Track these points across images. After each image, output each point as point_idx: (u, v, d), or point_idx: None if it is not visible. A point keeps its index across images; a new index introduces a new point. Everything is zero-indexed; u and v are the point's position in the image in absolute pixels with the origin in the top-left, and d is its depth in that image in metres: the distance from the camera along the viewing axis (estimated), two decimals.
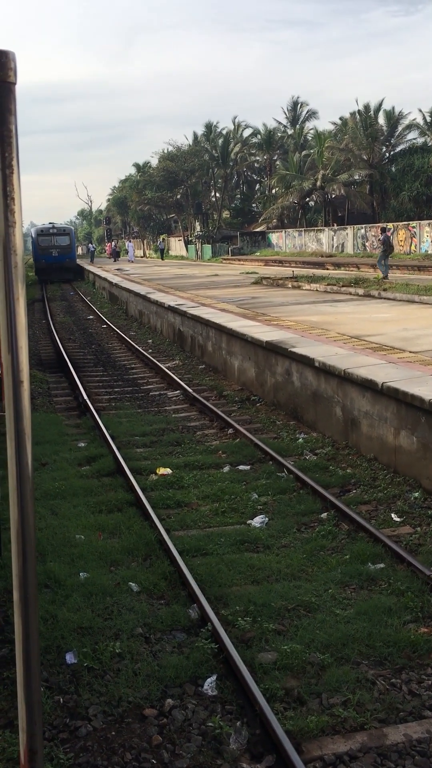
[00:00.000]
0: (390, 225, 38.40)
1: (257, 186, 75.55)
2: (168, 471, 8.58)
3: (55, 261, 46.78)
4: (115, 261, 58.94)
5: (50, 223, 49.62)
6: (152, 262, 56.55)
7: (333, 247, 47.60)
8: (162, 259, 62.41)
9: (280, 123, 67.31)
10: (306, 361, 10.32)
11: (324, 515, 7.07)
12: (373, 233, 43.82)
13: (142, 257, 73.11)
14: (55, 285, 45.29)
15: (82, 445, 9.96)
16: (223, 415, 10.87)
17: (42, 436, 10.13)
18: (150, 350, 17.86)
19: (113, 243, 68.72)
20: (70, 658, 4.72)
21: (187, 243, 68.89)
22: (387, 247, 23.84)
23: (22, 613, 1.63)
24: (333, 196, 56.53)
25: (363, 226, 46.13)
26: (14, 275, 1.50)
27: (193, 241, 66.14)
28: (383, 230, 25.89)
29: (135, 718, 4.19)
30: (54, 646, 4.85)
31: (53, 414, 11.95)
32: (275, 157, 67.94)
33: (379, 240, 24.72)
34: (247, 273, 33.06)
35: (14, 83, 1.49)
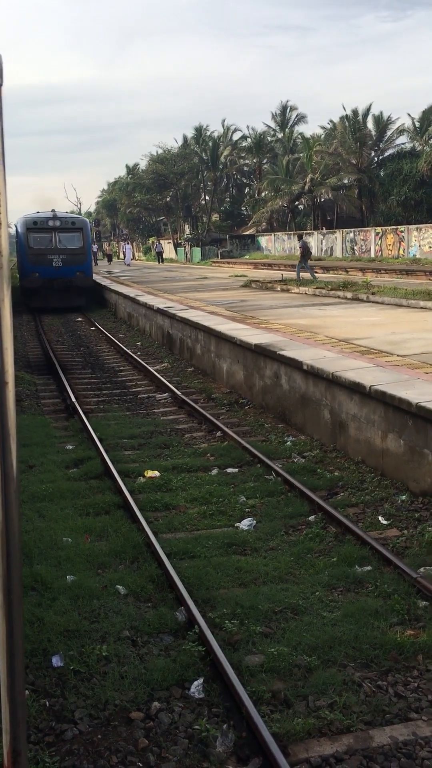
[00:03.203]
0: (306, 233, 39.13)
1: (247, 189, 75.78)
2: (156, 474, 8.57)
3: (58, 276, 27.51)
4: (109, 263, 58.00)
5: (50, 211, 29.60)
6: (141, 265, 56.43)
7: (322, 250, 47.76)
8: (161, 262, 58.93)
9: (269, 127, 67.59)
10: (294, 364, 10.35)
11: (311, 518, 7.08)
12: (362, 237, 44.05)
13: (131, 259, 72.73)
14: None
15: (70, 447, 9.93)
16: (211, 417, 10.87)
17: (29, 439, 10.09)
18: (139, 353, 17.84)
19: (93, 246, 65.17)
20: (56, 661, 4.70)
21: (176, 246, 68.87)
22: (305, 252, 27.14)
23: (7, 615, 1.62)
24: (322, 200, 56.77)
25: (352, 230, 46.35)
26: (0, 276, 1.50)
27: (183, 243, 66.11)
28: (300, 237, 30.36)
29: (121, 722, 4.18)
30: (40, 649, 4.82)
31: (41, 416, 11.91)
32: (264, 161, 68.18)
33: (300, 246, 27.68)
34: (237, 276, 33.11)
35: (0, 85, 1.49)
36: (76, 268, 27.98)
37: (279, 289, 24.70)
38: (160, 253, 61.19)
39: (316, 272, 34.31)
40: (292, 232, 53.95)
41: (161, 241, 68.44)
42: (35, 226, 28.20)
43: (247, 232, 63.77)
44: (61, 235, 28.22)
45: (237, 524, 7.07)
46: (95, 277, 32.26)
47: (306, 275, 27.18)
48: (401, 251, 39.97)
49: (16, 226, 29.05)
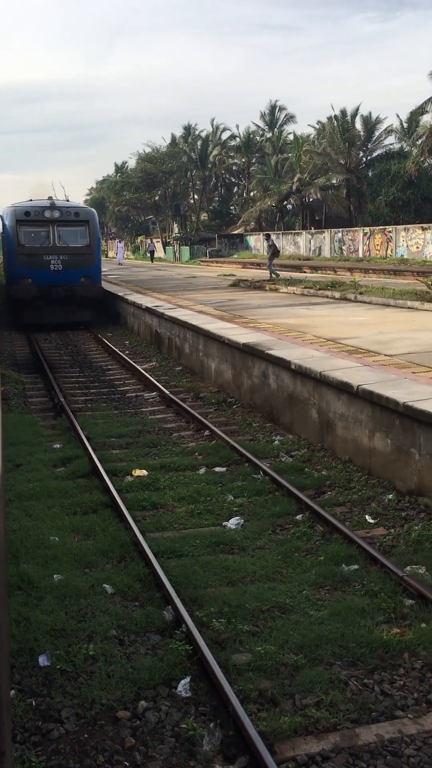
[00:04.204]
0: (273, 234, 39.62)
1: (235, 189, 75.84)
2: (144, 472, 8.55)
3: (57, 282, 21.26)
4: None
5: (47, 198, 22.85)
6: (130, 264, 56.24)
7: (310, 250, 47.87)
8: (153, 261, 58.00)
9: (258, 126, 67.65)
10: (282, 364, 10.36)
11: (299, 517, 7.10)
12: (350, 237, 44.17)
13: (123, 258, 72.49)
14: None
15: (58, 446, 9.89)
16: (199, 416, 10.86)
17: (17, 437, 10.04)
18: (127, 352, 17.80)
19: None
20: (43, 660, 4.69)
21: (165, 245, 68.74)
22: (274, 251, 28.52)
23: None
24: (310, 199, 56.92)
25: (340, 230, 46.48)
26: None
27: (171, 242, 65.98)
28: (267, 237, 31.68)
29: (108, 721, 4.17)
30: (27, 649, 4.80)
31: (28, 415, 11.85)
32: (253, 160, 68.25)
33: (268, 246, 28.87)
34: (225, 275, 33.09)
35: None
36: (81, 272, 21.52)
37: (267, 288, 24.72)
38: (152, 252, 60.45)
39: (304, 271, 34.44)
40: (280, 232, 54.00)
41: (153, 240, 67.90)
42: (27, 217, 21.35)
43: (236, 232, 63.76)
44: (61, 229, 21.51)
45: (225, 523, 7.07)
46: None
47: (268, 273, 28.20)
48: (389, 251, 40.13)
49: (2, 218, 22.23)
